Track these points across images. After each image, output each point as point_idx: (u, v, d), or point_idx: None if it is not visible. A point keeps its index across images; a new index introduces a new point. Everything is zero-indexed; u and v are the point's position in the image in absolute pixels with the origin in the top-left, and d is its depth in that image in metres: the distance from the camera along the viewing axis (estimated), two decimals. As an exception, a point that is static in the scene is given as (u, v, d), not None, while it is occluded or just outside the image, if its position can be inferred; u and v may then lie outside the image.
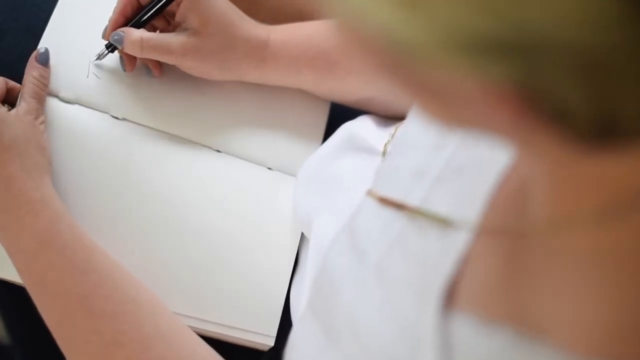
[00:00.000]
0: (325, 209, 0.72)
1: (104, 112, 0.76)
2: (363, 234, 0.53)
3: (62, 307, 0.63)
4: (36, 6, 0.79)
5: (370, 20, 0.28)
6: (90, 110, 0.76)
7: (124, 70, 0.77)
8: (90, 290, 0.63)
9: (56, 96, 0.75)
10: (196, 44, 0.74)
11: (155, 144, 0.77)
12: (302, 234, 0.78)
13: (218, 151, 0.80)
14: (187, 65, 0.76)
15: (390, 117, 0.81)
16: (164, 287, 0.71)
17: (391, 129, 0.73)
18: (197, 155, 0.78)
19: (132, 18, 0.77)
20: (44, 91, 0.73)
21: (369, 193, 0.54)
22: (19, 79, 0.72)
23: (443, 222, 0.46)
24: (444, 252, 0.45)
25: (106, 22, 0.77)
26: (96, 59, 0.77)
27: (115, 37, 0.75)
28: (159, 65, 0.78)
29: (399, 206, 0.50)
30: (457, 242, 0.44)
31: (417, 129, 0.55)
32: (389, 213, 0.51)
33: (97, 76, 0.78)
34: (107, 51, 0.76)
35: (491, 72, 0.27)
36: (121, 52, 0.76)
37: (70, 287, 0.63)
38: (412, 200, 0.50)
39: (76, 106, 0.75)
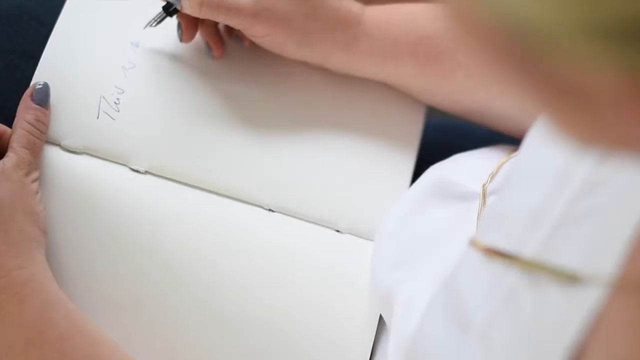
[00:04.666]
0: (412, 280, 0.67)
1: (121, 164, 0.73)
2: (465, 295, 0.52)
3: None
4: (36, 19, 0.75)
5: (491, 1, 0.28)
6: (103, 161, 0.72)
7: (181, 41, 0.74)
8: None
9: (58, 144, 0.71)
10: (271, 3, 0.71)
11: (188, 205, 0.72)
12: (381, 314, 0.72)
13: (271, 210, 0.75)
14: (258, 31, 0.72)
15: (503, 141, 0.76)
16: None
17: (492, 168, 0.69)
18: (243, 217, 0.74)
19: None
20: (40, 139, 0.68)
21: (472, 243, 0.54)
22: (11, 116, 0.68)
23: (568, 277, 0.45)
24: (569, 314, 0.44)
25: (125, 40, 0.74)
26: (149, 25, 0.73)
27: None
28: (221, 42, 0.75)
29: (510, 258, 0.50)
30: (587, 302, 0.44)
31: (534, 161, 0.53)
32: (497, 267, 0.50)
33: (110, 116, 0.72)
34: (164, 15, 0.73)
35: None
36: (180, 17, 0.73)
37: None
38: (527, 250, 0.49)
39: (84, 157, 0.72)
